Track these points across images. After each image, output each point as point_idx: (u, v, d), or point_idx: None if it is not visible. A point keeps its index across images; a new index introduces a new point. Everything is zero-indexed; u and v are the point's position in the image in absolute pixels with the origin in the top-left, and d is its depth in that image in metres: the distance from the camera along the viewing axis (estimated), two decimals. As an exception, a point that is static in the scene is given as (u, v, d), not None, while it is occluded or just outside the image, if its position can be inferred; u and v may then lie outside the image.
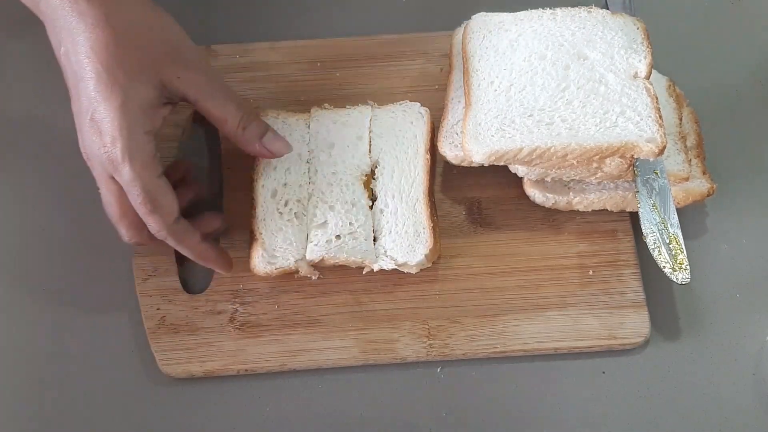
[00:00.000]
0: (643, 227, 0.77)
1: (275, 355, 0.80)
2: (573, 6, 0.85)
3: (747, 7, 0.96)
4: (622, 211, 0.84)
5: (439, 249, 0.81)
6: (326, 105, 0.87)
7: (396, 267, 0.80)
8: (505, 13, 0.85)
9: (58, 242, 0.85)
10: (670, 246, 0.76)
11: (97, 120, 0.72)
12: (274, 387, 0.79)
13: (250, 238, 0.81)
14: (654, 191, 0.78)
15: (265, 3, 0.96)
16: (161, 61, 0.75)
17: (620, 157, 0.78)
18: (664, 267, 0.76)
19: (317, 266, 0.81)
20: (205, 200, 0.84)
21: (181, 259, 0.82)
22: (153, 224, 0.75)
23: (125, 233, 0.77)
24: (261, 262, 0.80)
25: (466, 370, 0.80)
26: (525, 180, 0.83)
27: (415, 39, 0.92)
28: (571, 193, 0.83)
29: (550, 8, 0.85)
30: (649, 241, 0.77)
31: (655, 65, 0.82)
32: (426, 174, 0.82)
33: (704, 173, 0.85)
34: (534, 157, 0.78)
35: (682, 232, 0.77)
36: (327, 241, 0.80)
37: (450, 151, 0.83)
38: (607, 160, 0.78)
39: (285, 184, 0.83)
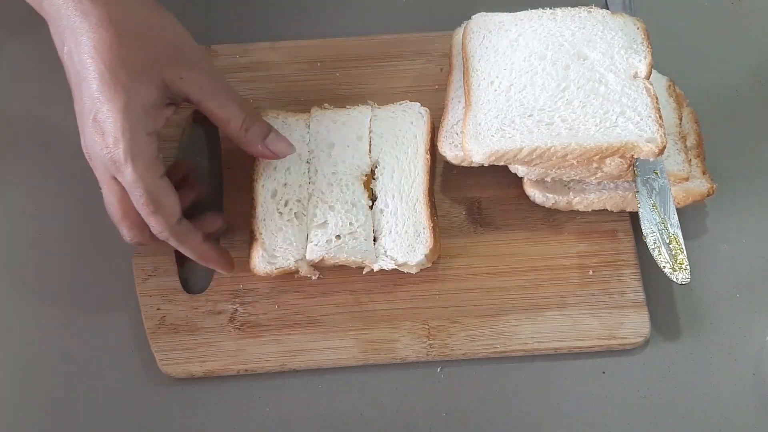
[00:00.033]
0: (643, 227, 0.77)
1: (275, 355, 0.80)
2: (573, 6, 0.85)
3: (747, 7, 0.96)
4: (622, 211, 0.84)
5: (439, 249, 0.81)
6: (326, 105, 0.87)
7: (396, 267, 0.80)
8: (505, 13, 0.85)
9: (59, 242, 0.85)
10: (670, 246, 0.76)
11: (100, 120, 0.72)
12: (274, 387, 0.79)
13: (250, 238, 0.81)
14: (654, 191, 0.78)
15: (265, 3, 0.96)
16: (164, 62, 0.75)
17: (620, 157, 0.78)
18: (664, 267, 0.76)
19: (317, 266, 0.81)
20: (206, 200, 0.84)
21: (181, 259, 0.82)
22: (155, 225, 0.75)
23: (127, 233, 0.77)
24: (261, 262, 0.80)
25: (466, 370, 0.80)
26: (525, 180, 0.83)
27: (415, 39, 0.92)
28: (571, 193, 0.83)
29: (550, 8, 0.85)
30: (649, 241, 0.77)
31: (655, 65, 0.82)
32: (426, 174, 0.82)
33: (704, 173, 0.85)
34: (534, 157, 0.78)
35: (682, 232, 0.77)
36: (327, 241, 0.80)
37: (450, 151, 0.83)
38: (607, 160, 0.78)
39: (285, 184, 0.83)
